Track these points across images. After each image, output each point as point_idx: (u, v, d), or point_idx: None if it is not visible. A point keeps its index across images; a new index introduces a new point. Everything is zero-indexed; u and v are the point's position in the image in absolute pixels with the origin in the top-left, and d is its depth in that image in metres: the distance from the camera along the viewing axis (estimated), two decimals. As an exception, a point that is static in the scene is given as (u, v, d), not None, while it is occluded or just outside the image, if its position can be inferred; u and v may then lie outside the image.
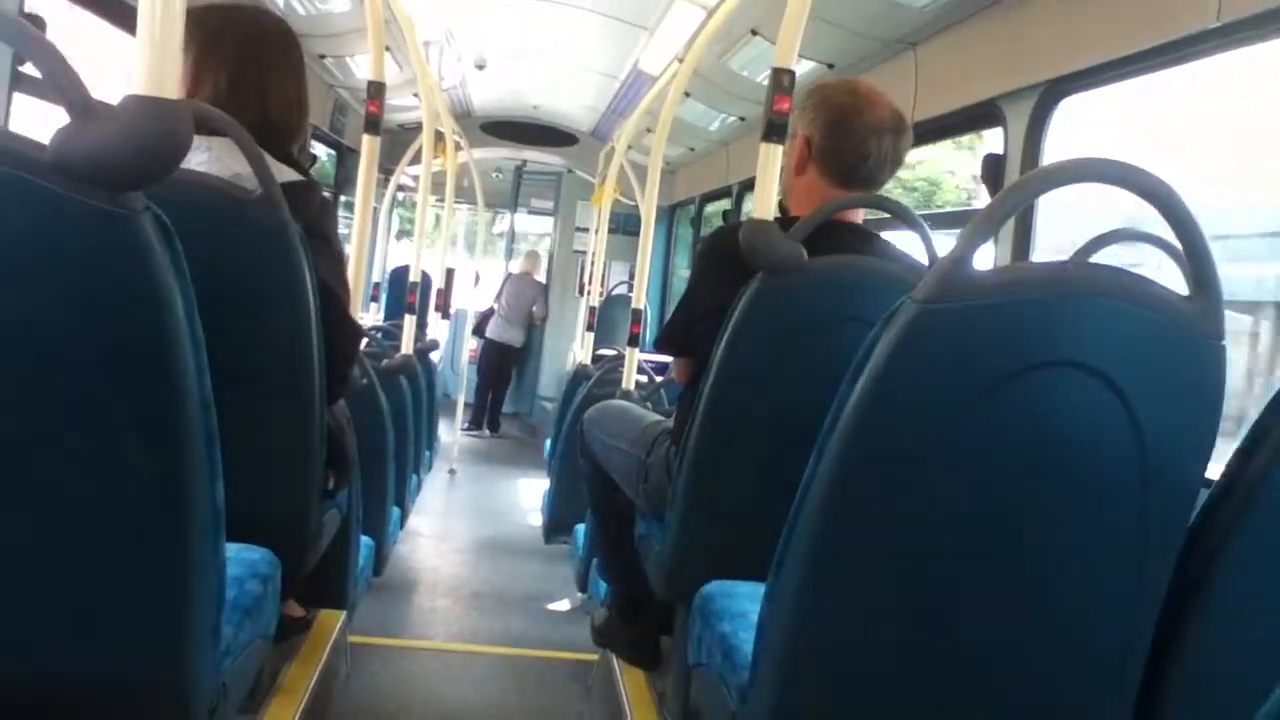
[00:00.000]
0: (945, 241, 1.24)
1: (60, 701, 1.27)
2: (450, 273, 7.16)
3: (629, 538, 2.44)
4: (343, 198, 6.46)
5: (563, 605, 4.27)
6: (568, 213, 9.60)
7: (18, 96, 2.60)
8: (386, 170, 6.88)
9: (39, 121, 2.66)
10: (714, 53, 4.27)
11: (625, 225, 8.24)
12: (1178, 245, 1.29)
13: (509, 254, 10.42)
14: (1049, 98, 2.78)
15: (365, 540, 2.95)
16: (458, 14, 5.35)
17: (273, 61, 1.90)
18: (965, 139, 2.93)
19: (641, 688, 2.50)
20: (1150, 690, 1.37)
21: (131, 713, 1.28)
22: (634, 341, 3.89)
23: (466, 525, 5.77)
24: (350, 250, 2.98)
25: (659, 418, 2.56)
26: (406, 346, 4.21)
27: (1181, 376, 1.26)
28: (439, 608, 4.18)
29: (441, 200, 6.65)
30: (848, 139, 2.06)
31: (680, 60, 3.89)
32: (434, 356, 6.09)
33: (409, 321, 4.25)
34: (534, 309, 9.18)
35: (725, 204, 6.56)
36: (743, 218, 2.04)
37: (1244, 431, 1.32)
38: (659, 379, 4.38)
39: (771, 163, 2.01)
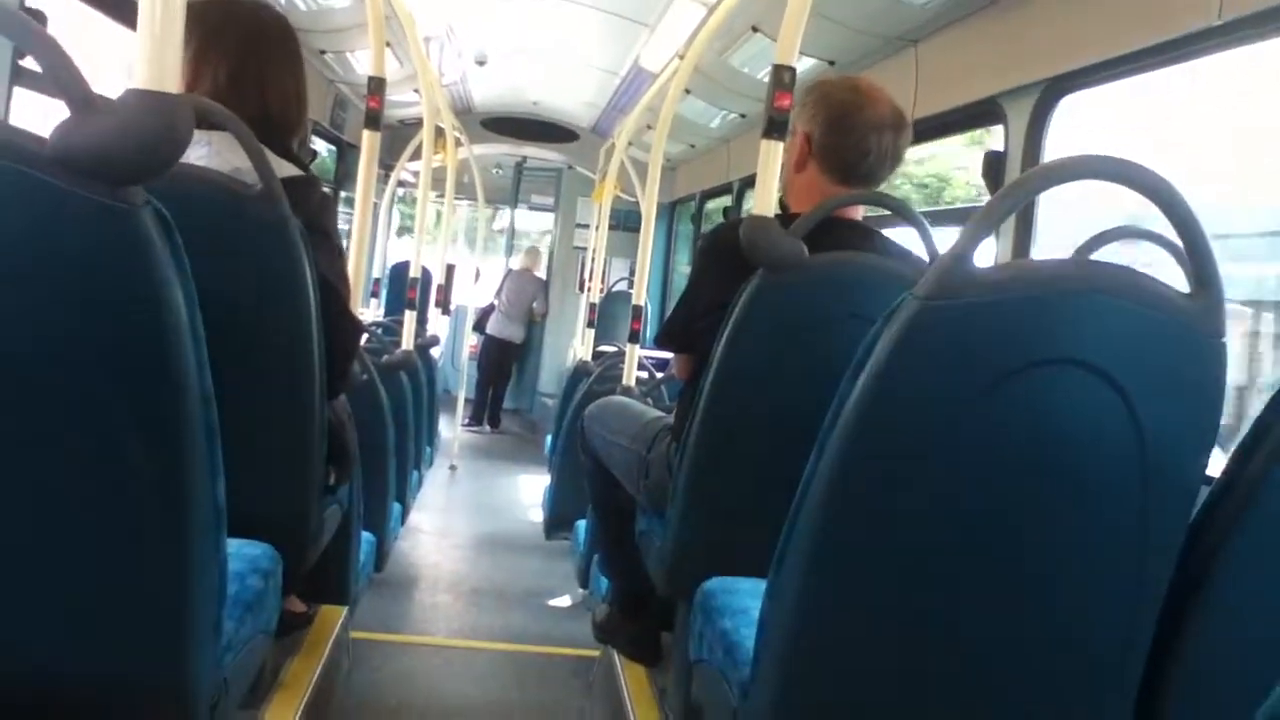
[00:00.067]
0: (949, 238, 1.23)
1: (62, 698, 1.27)
2: (451, 269, 7.16)
3: (630, 534, 2.44)
4: (343, 193, 6.46)
5: (564, 601, 4.27)
6: (568, 209, 9.59)
7: (18, 91, 2.60)
8: (387, 166, 6.88)
9: (39, 116, 2.67)
10: (715, 49, 4.26)
11: (626, 222, 8.24)
12: (1178, 243, 1.29)
13: (509, 250, 10.42)
14: (1050, 95, 2.78)
15: (366, 536, 2.95)
16: (458, 10, 5.35)
17: (272, 56, 1.90)
18: (975, 134, 2.93)
19: (642, 684, 2.50)
20: (1151, 687, 1.37)
21: (133, 708, 1.28)
22: (634, 338, 3.89)
23: (467, 521, 5.77)
24: (350, 246, 2.98)
25: (660, 414, 2.56)
26: (407, 342, 4.21)
27: (1182, 374, 1.25)
28: (440, 603, 4.19)
29: (442, 196, 6.65)
30: (848, 136, 2.06)
31: (681, 57, 3.88)
32: (434, 352, 6.09)
33: (409, 317, 4.25)
34: (534, 305, 9.18)
35: (726, 201, 6.56)
36: (743, 215, 2.03)
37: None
38: (659, 375, 4.38)
39: (772, 160, 2.01)
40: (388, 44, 3.70)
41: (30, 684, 1.25)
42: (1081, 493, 1.27)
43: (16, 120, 2.58)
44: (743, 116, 5.57)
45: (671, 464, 2.11)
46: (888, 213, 2.23)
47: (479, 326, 9.09)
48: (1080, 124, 2.85)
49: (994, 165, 2.98)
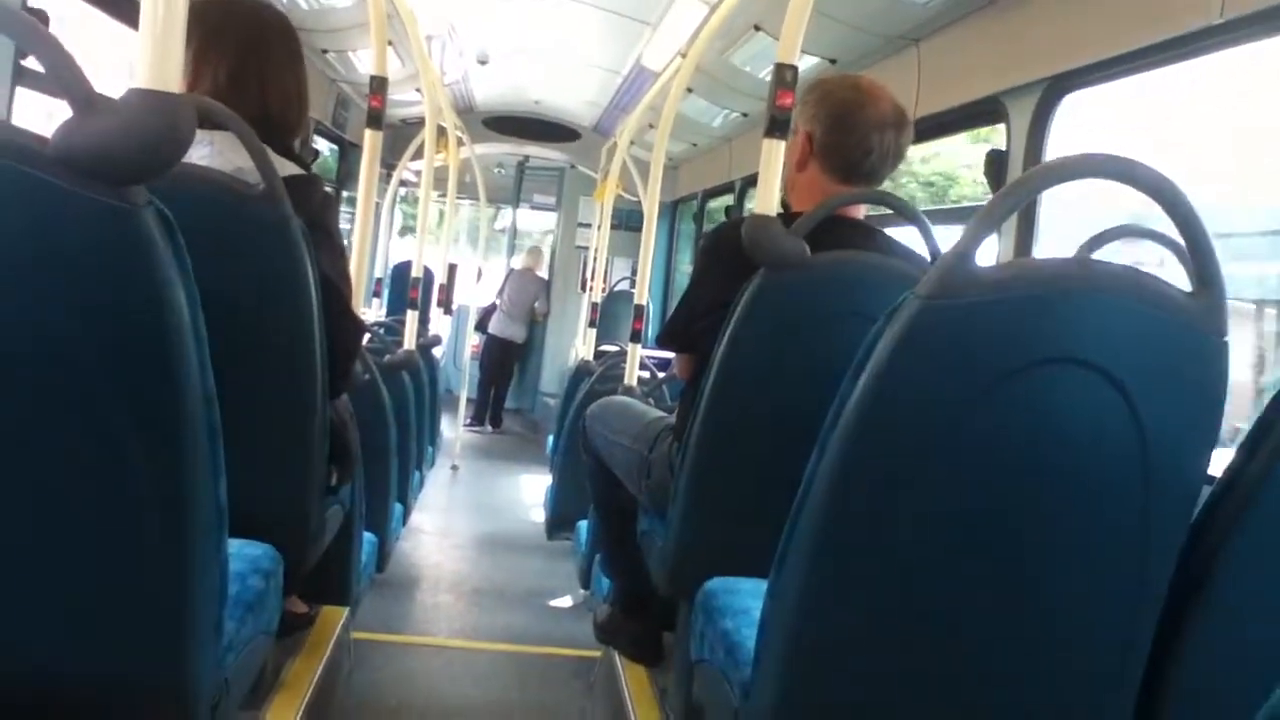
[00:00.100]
0: (952, 237, 1.23)
1: (63, 698, 1.27)
2: (453, 268, 7.16)
3: (631, 534, 2.44)
4: (345, 193, 6.47)
5: (565, 601, 4.27)
6: (570, 208, 9.59)
7: (20, 90, 2.60)
8: (389, 165, 6.88)
9: (41, 115, 2.67)
10: (716, 48, 4.26)
11: (628, 221, 8.24)
12: (1180, 241, 1.29)
13: (511, 250, 10.42)
14: (1052, 94, 2.78)
15: (368, 536, 2.95)
16: (460, 9, 5.35)
17: (273, 55, 1.90)
18: (983, 132, 2.93)
19: (644, 684, 2.50)
20: (1151, 687, 1.37)
21: (134, 709, 1.28)
22: (636, 338, 3.89)
23: (469, 521, 5.77)
24: (352, 245, 2.98)
25: (661, 414, 2.56)
26: (409, 342, 4.21)
27: (1184, 373, 1.25)
28: (441, 604, 4.19)
29: (444, 196, 6.65)
30: (850, 134, 2.06)
31: (683, 56, 3.89)
32: (436, 352, 6.09)
33: (411, 317, 4.25)
34: (536, 305, 9.18)
35: (728, 200, 6.56)
36: (745, 214, 2.03)
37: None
38: (661, 375, 4.38)
39: (774, 158, 2.01)
40: (390, 43, 3.70)
41: (31, 684, 1.25)
42: (1083, 492, 1.26)
43: (19, 119, 2.58)
44: (745, 115, 5.57)
45: (673, 464, 2.11)
46: (890, 211, 2.22)
47: (481, 326, 9.09)
48: (1082, 123, 2.85)
49: (996, 164, 2.97)
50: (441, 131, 5.23)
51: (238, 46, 1.86)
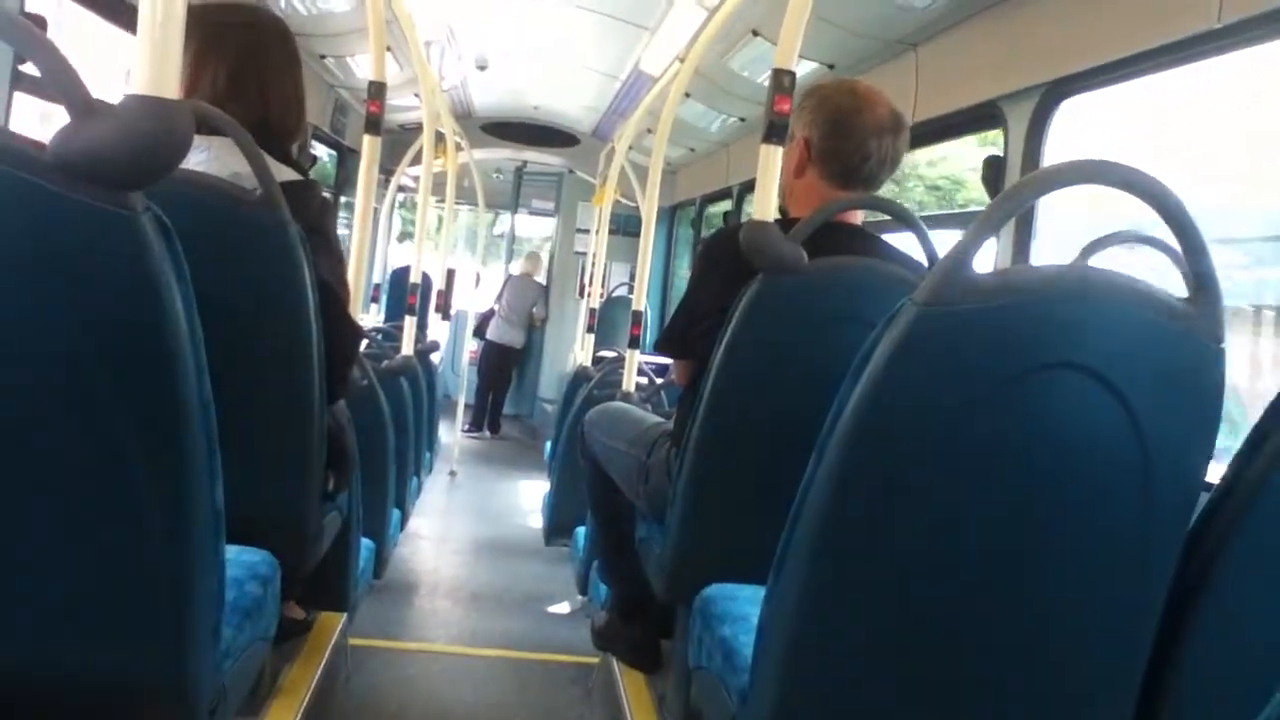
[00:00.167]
0: (951, 242, 1.23)
1: (61, 702, 1.27)
2: (451, 274, 7.16)
3: (629, 540, 2.44)
4: (343, 198, 6.47)
5: (563, 608, 4.27)
6: (568, 214, 9.60)
7: (18, 96, 2.60)
8: (387, 171, 6.88)
9: (35, 119, 2.67)
10: (715, 53, 4.27)
11: (626, 226, 8.25)
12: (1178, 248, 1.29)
13: (509, 255, 10.43)
14: (1050, 99, 2.78)
15: (365, 542, 2.95)
16: (459, 14, 5.36)
17: (270, 60, 1.90)
18: (989, 136, 2.93)
19: (642, 690, 2.50)
20: (1150, 693, 1.36)
21: (132, 714, 1.28)
22: (634, 343, 3.89)
23: (467, 527, 5.77)
24: (350, 251, 2.98)
25: (659, 419, 2.56)
26: (407, 348, 4.21)
27: (1181, 379, 1.25)
28: (439, 610, 4.18)
29: (442, 201, 6.65)
30: (848, 140, 2.06)
31: (681, 61, 3.89)
32: (434, 358, 6.09)
33: (409, 323, 4.25)
34: (534, 310, 9.19)
35: (726, 205, 6.57)
36: (743, 219, 2.03)
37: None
38: (659, 381, 4.38)
39: (772, 164, 2.01)
40: (388, 48, 3.70)
41: (29, 689, 1.25)
42: (1080, 498, 1.26)
43: (17, 126, 2.58)
44: (742, 120, 5.57)
45: (671, 469, 2.11)
46: (887, 217, 2.23)
47: (479, 332, 9.10)
48: (1080, 128, 2.85)
49: (993, 169, 2.98)
50: (440, 137, 5.24)
51: (235, 51, 1.86)
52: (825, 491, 1.26)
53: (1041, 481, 1.25)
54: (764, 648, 1.38)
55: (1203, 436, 1.28)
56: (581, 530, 4.01)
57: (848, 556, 1.29)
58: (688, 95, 4.79)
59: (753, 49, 4.21)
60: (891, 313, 1.23)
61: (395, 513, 3.68)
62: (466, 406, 8.19)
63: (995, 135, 3.13)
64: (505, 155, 9.12)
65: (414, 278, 4.46)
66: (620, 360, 4.34)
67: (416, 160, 5.44)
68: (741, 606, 1.71)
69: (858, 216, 2.14)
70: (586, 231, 8.93)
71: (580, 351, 6.06)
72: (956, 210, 6.11)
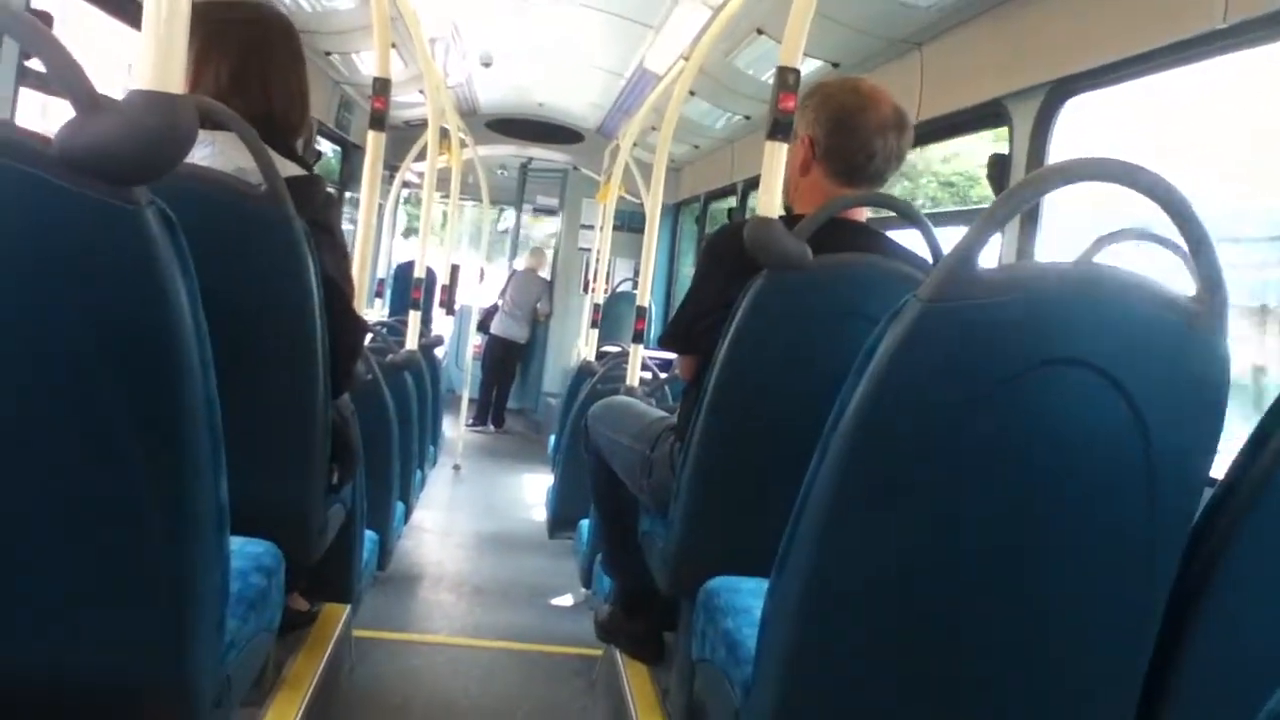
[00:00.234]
0: (956, 240, 1.23)
1: (65, 695, 1.27)
2: (455, 269, 7.17)
3: (633, 533, 2.45)
4: (348, 194, 6.47)
5: (566, 600, 4.28)
6: (573, 210, 9.60)
7: (24, 91, 2.61)
8: (392, 167, 6.89)
9: (37, 112, 2.68)
10: (719, 51, 4.27)
11: (630, 223, 8.26)
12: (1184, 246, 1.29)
13: (514, 251, 10.43)
14: (1055, 97, 2.78)
15: (369, 534, 2.96)
16: (463, 11, 5.36)
17: (274, 55, 1.90)
18: (1004, 131, 2.93)
19: (645, 683, 2.50)
20: (1152, 691, 1.37)
21: (136, 705, 1.28)
22: (638, 338, 3.89)
23: (470, 520, 5.78)
24: (355, 246, 2.99)
25: (663, 414, 2.56)
26: (411, 342, 4.21)
27: (1186, 376, 1.25)
28: (443, 602, 4.19)
29: (447, 197, 6.66)
30: (852, 138, 2.06)
31: (686, 58, 3.89)
32: (438, 352, 6.10)
33: (413, 317, 4.26)
34: (538, 305, 9.19)
35: (730, 202, 6.56)
36: (748, 216, 2.03)
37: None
38: (663, 375, 4.38)
39: (776, 161, 2.01)
40: (393, 45, 3.71)
41: (34, 681, 1.25)
42: (1085, 495, 1.26)
43: (22, 121, 2.59)
44: (747, 118, 5.57)
45: (675, 463, 2.11)
46: (892, 214, 2.23)
47: (483, 327, 9.10)
48: (1086, 126, 2.85)
49: (999, 167, 2.98)
50: (445, 133, 5.24)
51: (240, 47, 1.86)
52: (829, 486, 1.26)
53: (1045, 478, 1.26)
54: (767, 641, 1.38)
55: (1207, 433, 1.28)
56: (585, 524, 4.01)
57: (851, 551, 1.29)
58: (692, 93, 4.79)
59: (757, 47, 4.21)
60: (896, 309, 1.23)
61: (399, 506, 3.69)
62: (470, 401, 8.19)
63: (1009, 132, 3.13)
64: (510, 152, 9.12)
65: (418, 273, 4.47)
66: (624, 355, 4.35)
67: (421, 156, 5.44)
68: (745, 599, 1.71)
69: (862, 213, 2.14)
70: (591, 228, 8.93)
71: (584, 346, 6.07)
72: (968, 207, 6.10)
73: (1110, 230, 2.26)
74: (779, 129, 2.00)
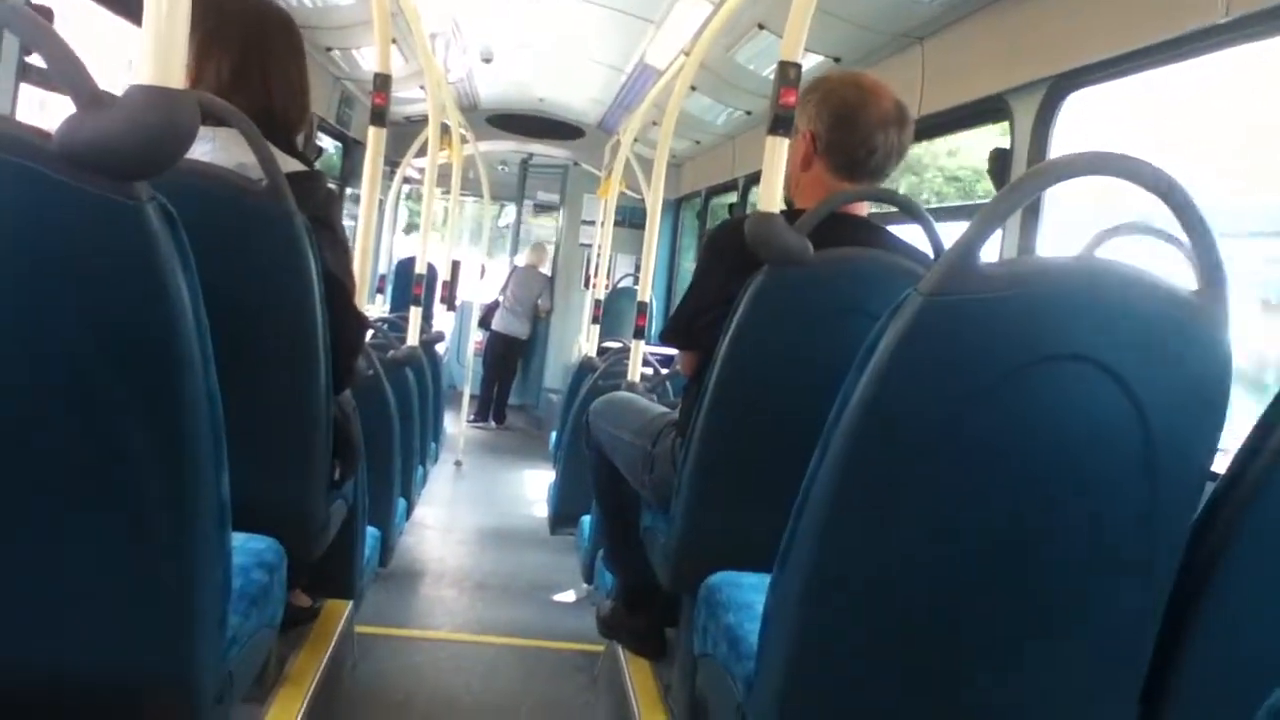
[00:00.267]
0: (958, 235, 1.23)
1: (66, 691, 1.27)
2: (456, 265, 7.17)
3: (634, 529, 2.45)
4: (349, 190, 6.47)
5: (568, 596, 4.28)
6: (573, 206, 9.60)
7: (23, 87, 2.61)
8: (393, 162, 6.89)
9: (35, 106, 2.68)
10: (720, 46, 4.26)
11: (631, 218, 8.26)
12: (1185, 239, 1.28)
13: (515, 247, 10.43)
14: (1056, 92, 2.78)
15: (371, 531, 2.96)
16: (464, 6, 5.36)
17: (275, 50, 1.90)
18: (1007, 125, 2.94)
19: (647, 678, 2.51)
20: (1153, 687, 1.37)
21: (137, 702, 1.28)
22: (639, 334, 3.89)
23: (472, 516, 5.78)
24: (356, 242, 2.98)
25: (664, 409, 2.56)
26: (412, 338, 4.21)
27: (1188, 370, 1.25)
28: (445, 598, 4.20)
29: (448, 193, 6.65)
30: (854, 133, 2.06)
31: (687, 54, 3.88)
32: (440, 348, 6.10)
33: (414, 313, 4.26)
34: (539, 301, 9.19)
35: (731, 197, 6.56)
36: (749, 211, 2.03)
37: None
38: (664, 371, 4.38)
39: (778, 156, 2.00)
40: (393, 40, 3.71)
41: (36, 678, 1.25)
42: (1086, 489, 1.26)
43: (23, 116, 2.59)
44: (748, 113, 5.57)
45: (676, 459, 2.11)
46: (893, 209, 2.22)
47: (484, 323, 9.10)
48: (1087, 121, 2.84)
49: (1000, 162, 2.97)
50: (445, 129, 5.24)
51: (240, 42, 1.86)
52: (830, 481, 1.26)
53: (1046, 473, 1.25)
54: (769, 635, 1.38)
55: (1209, 428, 1.28)
56: (587, 519, 4.02)
57: (852, 545, 1.29)
58: (693, 88, 4.78)
59: (758, 42, 4.20)
60: (897, 303, 1.23)
61: (401, 502, 3.69)
62: (472, 397, 8.19)
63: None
64: (510, 147, 9.12)
65: (419, 269, 4.47)
66: (625, 351, 4.35)
67: (422, 152, 5.44)
68: (746, 594, 1.71)
69: (863, 208, 2.14)
70: (592, 223, 8.93)
71: (585, 342, 6.07)
72: (970, 201, 6.10)
73: (1111, 224, 2.26)
74: (780, 124, 1.99)
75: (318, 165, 1.95)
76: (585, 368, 4.96)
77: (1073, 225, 2.90)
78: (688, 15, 4.41)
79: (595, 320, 5.57)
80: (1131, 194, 1.26)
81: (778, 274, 1.85)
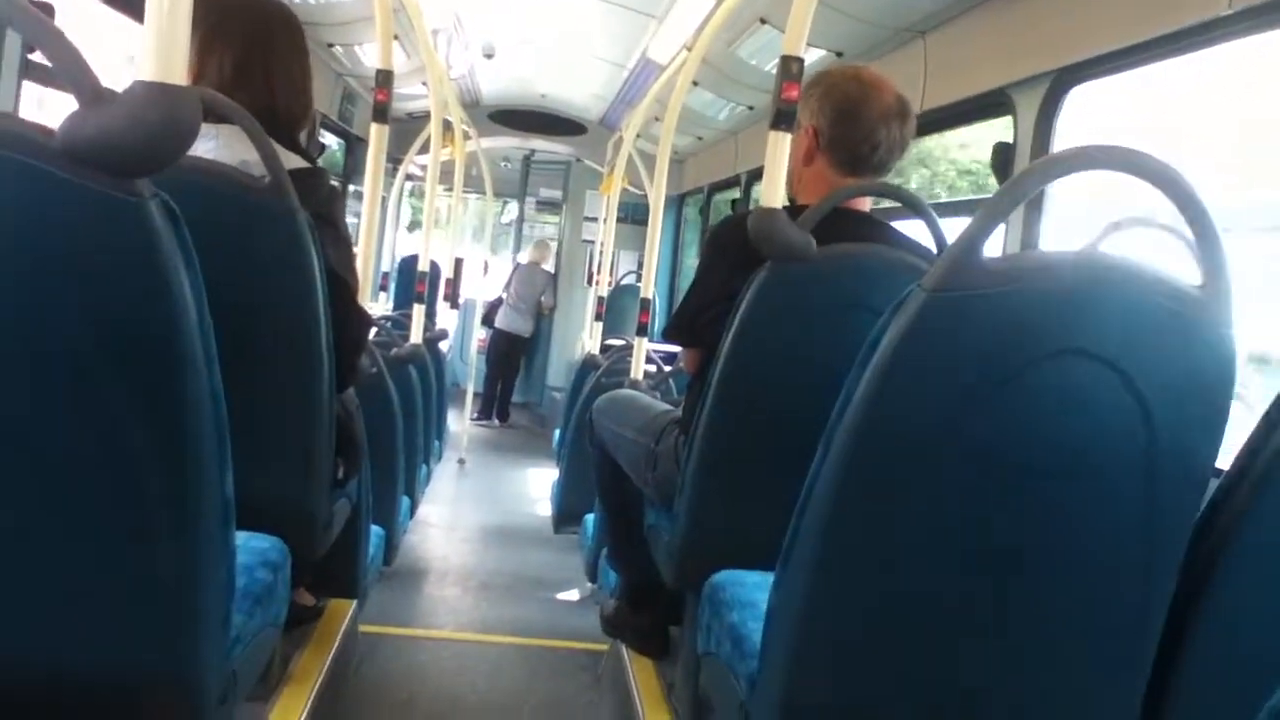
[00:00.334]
0: (961, 230, 1.23)
1: (71, 690, 1.27)
2: (459, 262, 7.17)
3: (638, 527, 2.44)
4: (351, 187, 6.47)
5: (572, 595, 4.28)
6: (576, 202, 9.59)
7: (27, 84, 2.61)
8: (395, 159, 6.88)
9: (34, 103, 2.68)
10: (723, 41, 4.25)
11: (634, 215, 8.25)
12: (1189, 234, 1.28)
13: (517, 244, 10.43)
14: (1059, 86, 2.77)
15: (375, 529, 2.96)
16: (466, 2, 5.35)
17: (277, 47, 1.90)
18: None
19: (651, 677, 2.51)
20: (1155, 686, 1.36)
21: (141, 701, 1.28)
22: (642, 331, 3.89)
23: (476, 515, 5.78)
24: (359, 239, 2.98)
25: (667, 407, 2.56)
26: (415, 336, 4.21)
27: (1191, 365, 1.25)
28: (449, 597, 4.19)
29: (450, 190, 6.65)
30: (856, 128, 2.05)
31: (689, 49, 3.87)
32: (443, 346, 6.09)
33: (418, 311, 4.25)
34: (542, 299, 9.18)
35: (734, 193, 6.55)
36: (751, 207, 2.03)
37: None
38: (667, 368, 4.38)
39: (780, 151, 2.00)
40: (395, 37, 3.70)
41: (38, 677, 1.25)
42: (1090, 484, 1.26)
43: (26, 113, 2.58)
44: (750, 109, 5.56)
45: (679, 457, 2.11)
46: (896, 204, 2.22)
47: (487, 320, 9.10)
48: (1091, 114, 2.83)
49: (1003, 156, 2.96)
50: (448, 125, 5.23)
51: (242, 39, 1.86)
52: (833, 478, 1.26)
53: (1049, 468, 1.25)
54: (773, 634, 1.38)
55: (1212, 423, 1.27)
56: (590, 518, 4.01)
57: (855, 543, 1.29)
58: (695, 83, 4.77)
59: (761, 37, 4.19)
60: (900, 299, 1.22)
61: (404, 500, 3.69)
62: (475, 395, 8.19)
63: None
64: (513, 144, 9.11)
65: (422, 266, 4.46)
66: (628, 348, 4.34)
67: (424, 149, 5.44)
68: (750, 593, 1.71)
69: (866, 203, 2.14)
70: (594, 220, 8.92)
71: (588, 339, 6.06)
72: (979, 196, 6.08)
73: (1115, 219, 2.25)
74: (782, 119, 1.99)
75: (320, 162, 1.95)
76: (588, 365, 4.96)
77: (1077, 219, 2.90)
78: (689, 10, 4.40)
79: (598, 317, 5.57)
80: (1133, 188, 1.26)
81: (781, 270, 1.84)
